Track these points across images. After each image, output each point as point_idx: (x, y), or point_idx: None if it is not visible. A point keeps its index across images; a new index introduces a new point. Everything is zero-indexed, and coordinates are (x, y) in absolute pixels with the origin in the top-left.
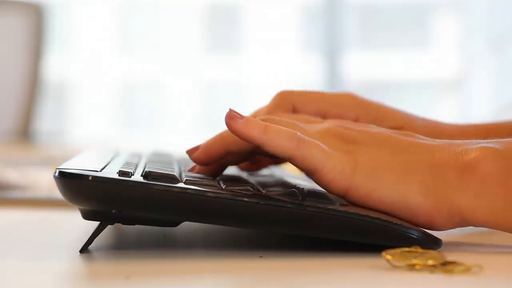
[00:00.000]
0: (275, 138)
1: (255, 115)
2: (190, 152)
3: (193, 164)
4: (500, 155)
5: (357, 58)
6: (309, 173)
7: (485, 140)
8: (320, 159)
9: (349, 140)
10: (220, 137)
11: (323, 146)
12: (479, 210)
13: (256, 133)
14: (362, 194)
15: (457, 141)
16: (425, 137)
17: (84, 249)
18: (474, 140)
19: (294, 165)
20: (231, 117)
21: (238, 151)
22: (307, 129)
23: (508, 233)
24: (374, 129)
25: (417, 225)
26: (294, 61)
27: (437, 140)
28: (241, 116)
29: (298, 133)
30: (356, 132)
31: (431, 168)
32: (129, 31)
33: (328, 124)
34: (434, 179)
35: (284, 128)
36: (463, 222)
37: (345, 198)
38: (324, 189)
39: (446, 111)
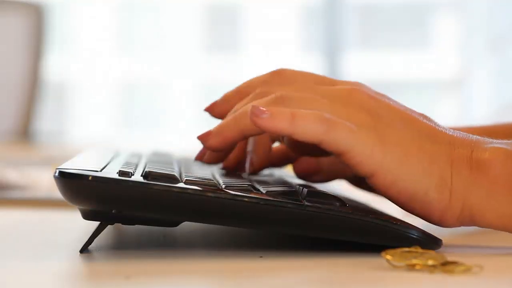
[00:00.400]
0: (304, 125)
1: (248, 85)
2: (202, 139)
3: (200, 152)
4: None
5: (357, 58)
6: (337, 155)
7: (497, 140)
8: (348, 142)
9: (373, 113)
10: (234, 120)
11: (352, 126)
12: (488, 212)
13: (285, 125)
14: (388, 181)
15: (471, 135)
16: (439, 124)
17: (84, 249)
18: (487, 139)
19: (321, 147)
20: (255, 114)
21: (254, 135)
22: (326, 102)
23: (509, 233)
24: (392, 101)
25: (428, 220)
26: (294, 61)
27: (451, 130)
28: (265, 111)
29: (326, 115)
30: (377, 104)
31: (452, 164)
32: (129, 31)
33: (346, 88)
34: (453, 175)
35: (311, 112)
36: (471, 222)
37: (368, 181)
38: (351, 169)
39: (446, 111)
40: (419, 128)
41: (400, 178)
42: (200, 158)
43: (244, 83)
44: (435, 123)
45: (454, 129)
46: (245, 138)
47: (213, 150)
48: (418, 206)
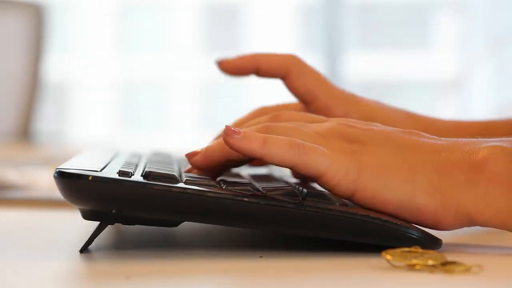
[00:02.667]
0: (274, 149)
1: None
2: (189, 157)
3: (187, 169)
4: (510, 154)
5: (357, 58)
6: (314, 178)
7: (493, 139)
8: (322, 164)
9: (353, 139)
10: (220, 145)
11: (324, 149)
12: (486, 211)
13: (256, 147)
14: (369, 196)
15: (463, 139)
16: (429, 136)
17: (84, 249)
18: (481, 139)
19: (298, 172)
20: (228, 133)
21: (238, 159)
22: (307, 131)
23: (508, 233)
24: (379, 127)
25: (424, 225)
26: None
27: (442, 138)
28: (238, 132)
29: (298, 140)
30: (360, 131)
31: (438, 168)
32: (129, 31)
33: (331, 123)
34: (441, 179)
35: (283, 137)
36: (470, 223)
37: (352, 200)
38: (330, 192)
39: (446, 111)
40: (401, 143)
41: (379, 190)
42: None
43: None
44: (424, 136)
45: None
46: (229, 161)
47: (197, 169)
48: (407, 214)
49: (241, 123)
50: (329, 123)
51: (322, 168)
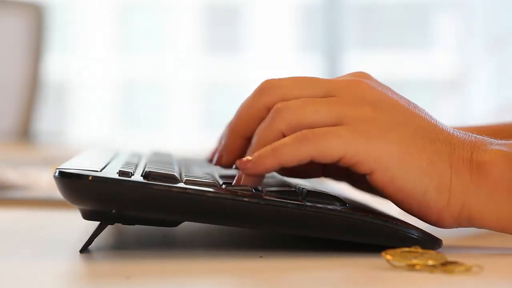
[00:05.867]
0: (288, 152)
1: (246, 109)
2: (242, 166)
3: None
4: (510, 159)
5: (357, 58)
6: (336, 162)
7: (498, 141)
8: (339, 149)
9: (375, 106)
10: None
11: (338, 131)
12: (487, 215)
13: (272, 161)
14: (387, 179)
15: (471, 135)
16: (439, 121)
17: (84, 249)
18: (487, 139)
19: (320, 162)
20: (242, 167)
21: (292, 164)
22: (324, 101)
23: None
24: (394, 94)
25: (426, 220)
26: (294, 61)
27: (452, 129)
28: (249, 160)
29: (305, 130)
30: (379, 97)
31: (452, 165)
32: (129, 31)
33: (347, 80)
34: (453, 177)
35: (288, 136)
36: (469, 224)
37: (368, 179)
38: (352, 169)
39: (446, 111)
40: (420, 125)
41: (399, 176)
42: (239, 182)
43: (236, 117)
44: (435, 120)
45: (459, 129)
46: (282, 168)
47: (249, 175)
48: (416, 206)
49: (247, 112)
50: (348, 80)
51: (340, 152)
